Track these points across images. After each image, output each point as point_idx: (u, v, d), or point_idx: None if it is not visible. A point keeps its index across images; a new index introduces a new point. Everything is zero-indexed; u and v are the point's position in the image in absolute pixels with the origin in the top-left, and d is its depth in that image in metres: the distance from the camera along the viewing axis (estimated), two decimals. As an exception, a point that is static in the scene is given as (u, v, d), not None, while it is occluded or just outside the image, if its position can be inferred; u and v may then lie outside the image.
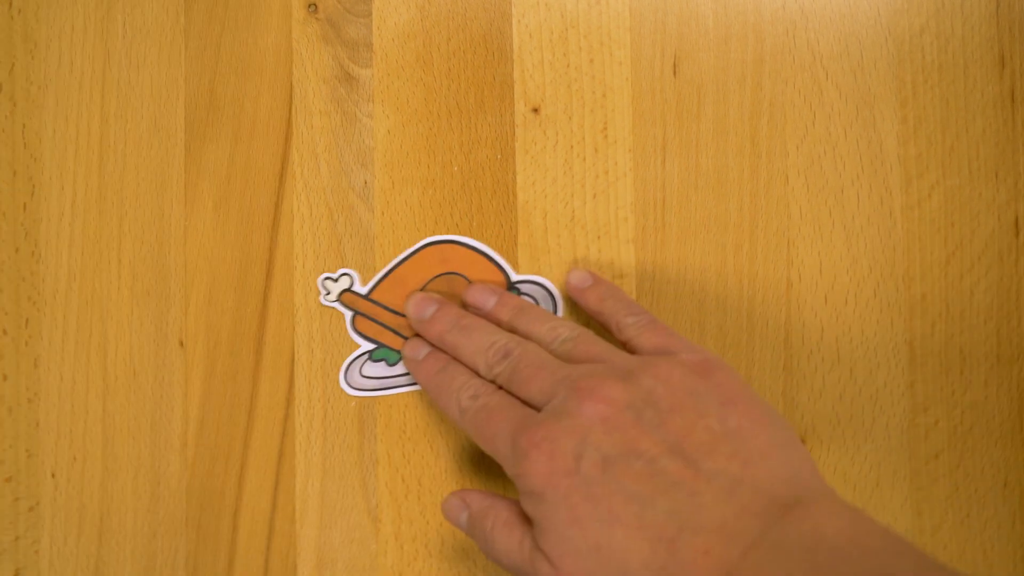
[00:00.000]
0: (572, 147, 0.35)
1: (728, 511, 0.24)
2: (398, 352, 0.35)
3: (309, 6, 0.36)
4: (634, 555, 0.24)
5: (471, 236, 0.35)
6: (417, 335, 0.33)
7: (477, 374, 0.30)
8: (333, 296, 0.35)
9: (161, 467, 0.36)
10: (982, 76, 0.34)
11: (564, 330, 0.30)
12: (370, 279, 0.35)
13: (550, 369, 0.28)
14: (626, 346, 0.30)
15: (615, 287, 0.33)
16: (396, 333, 0.35)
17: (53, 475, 0.36)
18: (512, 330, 0.31)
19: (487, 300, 0.32)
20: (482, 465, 0.35)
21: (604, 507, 0.24)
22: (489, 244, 0.35)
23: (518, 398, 0.28)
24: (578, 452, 0.25)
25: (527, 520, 0.27)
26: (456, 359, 0.31)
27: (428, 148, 0.35)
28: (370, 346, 0.35)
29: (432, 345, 0.32)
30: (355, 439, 0.35)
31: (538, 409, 0.27)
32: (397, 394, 0.35)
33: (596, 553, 0.24)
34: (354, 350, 0.35)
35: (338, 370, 0.35)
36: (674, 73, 0.35)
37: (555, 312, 0.35)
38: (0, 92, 0.36)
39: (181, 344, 0.36)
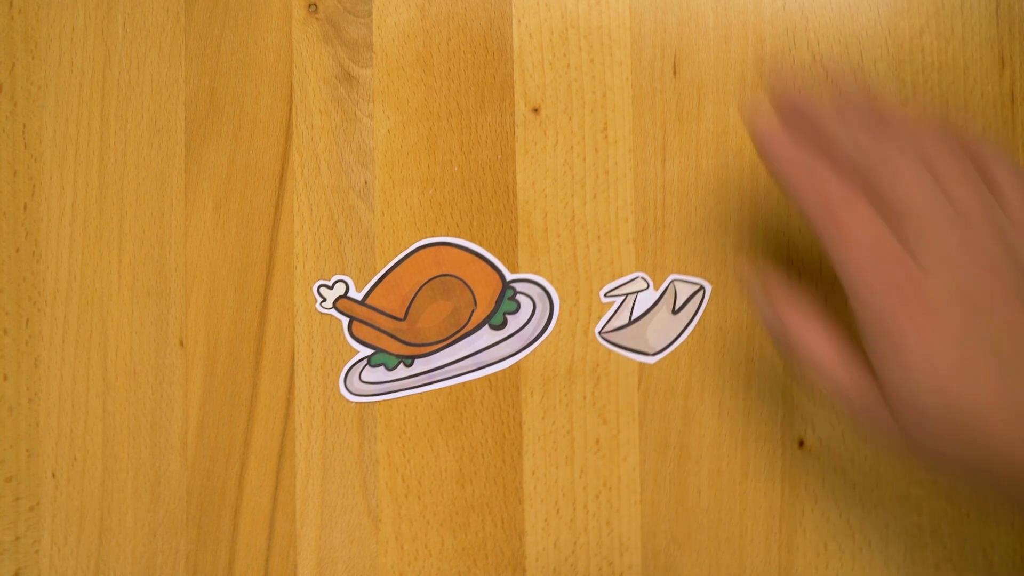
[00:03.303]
0: (572, 147, 0.35)
1: None
2: (396, 356, 0.35)
3: (309, 6, 0.36)
4: (995, 417, 0.22)
5: (471, 236, 0.35)
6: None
7: None
8: (329, 303, 0.35)
9: (161, 467, 0.36)
10: (982, 76, 0.34)
11: None
12: (370, 279, 0.35)
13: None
14: None
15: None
16: (393, 337, 0.35)
17: (53, 475, 0.36)
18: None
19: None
20: (482, 465, 0.35)
21: (961, 354, 0.23)
22: (489, 244, 0.35)
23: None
24: (952, 296, 0.23)
25: (855, 337, 0.25)
26: None
27: (428, 148, 0.35)
28: (368, 351, 0.35)
29: None
30: (355, 439, 0.35)
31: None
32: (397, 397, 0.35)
33: (946, 400, 0.23)
34: (354, 352, 0.35)
35: (338, 371, 0.35)
36: (674, 73, 0.35)
37: (552, 317, 0.35)
38: (1, 92, 0.37)
39: (181, 344, 0.36)
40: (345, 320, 0.35)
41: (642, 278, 0.35)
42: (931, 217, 0.24)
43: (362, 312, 0.35)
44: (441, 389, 0.35)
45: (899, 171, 0.24)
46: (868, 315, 0.24)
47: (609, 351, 0.35)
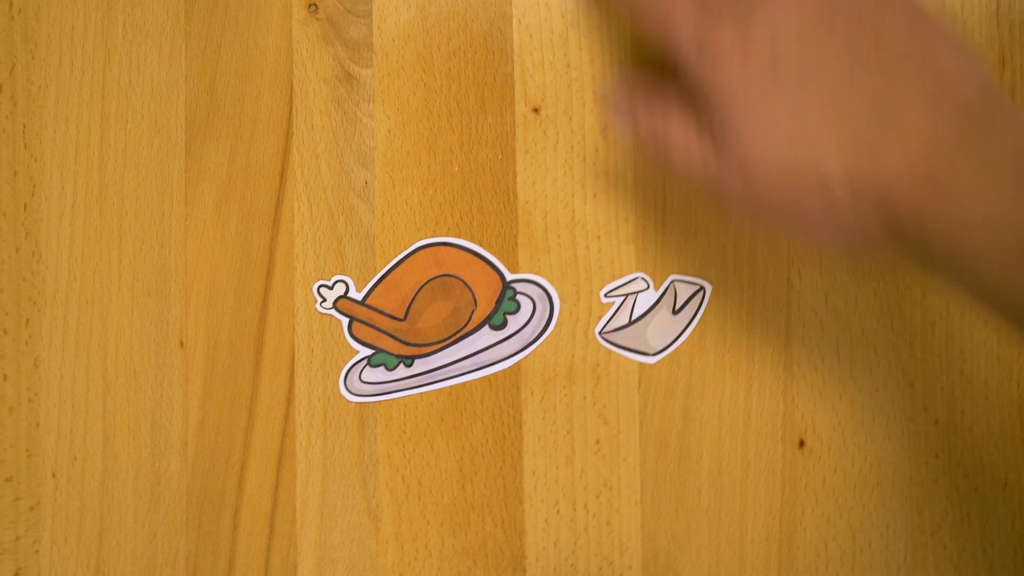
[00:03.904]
0: (572, 147, 0.35)
1: (927, 120, 0.23)
2: (396, 356, 0.35)
3: (309, 6, 0.36)
4: (831, 157, 0.24)
5: (471, 236, 0.35)
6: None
7: None
8: (329, 303, 0.35)
9: (161, 467, 0.36)
10: (982, 76, 0.34)
11: None
12: (369, 280, 0.35)
13: None
14: None
15: None
16: (393, 337, 0.35)
17: (53, 475, 0.36)
18: None
19: None
20: (482, 465, 0.35)
21: (800, 111, 0.25)
22: (489, 244, 0.35)
23: None
24: (773, 58, 0.25)
25: (700, 117, 0.27)
26: None
27: (428, 148, 0.35)
28: (368, 351, 0.35)
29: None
30: (355, 439, 0.35)
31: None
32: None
33: (790, 153, 0.25)
34: (354, 352, 0.35)
35: (338, 371, 0.35)
36: (675, 73, 0.35)
37: (552, 317, 0.35)
38: (1, 92, 0.36)
39: (181, 344, 0.36)
40: (345, 320, 0.35)
41: (642, 278, 0.35)
42: None
43: (362, 312, 0.35)
44: (441, 389, 0.35)
45: None
46: (708, 90, 0.26)
47: (609, 351, 0.35)
